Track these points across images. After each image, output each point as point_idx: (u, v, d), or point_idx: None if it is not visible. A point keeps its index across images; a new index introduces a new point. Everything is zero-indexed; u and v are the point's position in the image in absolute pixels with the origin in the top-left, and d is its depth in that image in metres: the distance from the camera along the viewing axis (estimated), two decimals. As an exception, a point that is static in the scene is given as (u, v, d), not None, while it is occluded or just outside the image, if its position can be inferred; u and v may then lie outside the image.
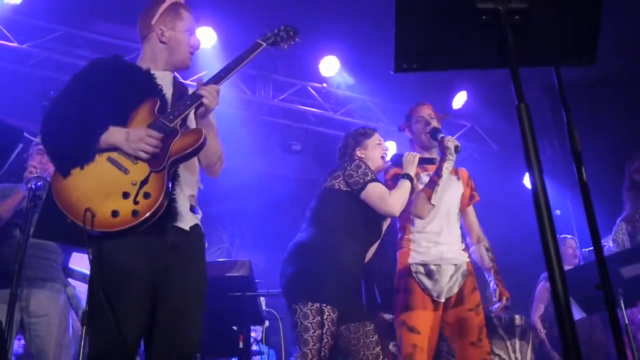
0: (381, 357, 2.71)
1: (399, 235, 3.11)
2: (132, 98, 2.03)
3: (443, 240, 3.01)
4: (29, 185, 2.89)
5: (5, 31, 4.94)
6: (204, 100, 2.03)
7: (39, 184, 2.85)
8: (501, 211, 6.01)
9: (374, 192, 2.82)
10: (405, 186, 2.90)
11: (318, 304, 2.57)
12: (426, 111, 3.19)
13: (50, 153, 1.96)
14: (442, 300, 2.94)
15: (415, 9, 1.39)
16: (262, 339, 4.70)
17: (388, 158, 3.17)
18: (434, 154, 3.18)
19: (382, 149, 3.11)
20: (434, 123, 3.16)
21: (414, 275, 2.94)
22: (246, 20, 5.28)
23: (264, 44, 2.36)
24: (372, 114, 6.43)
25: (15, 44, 4.99)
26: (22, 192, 3.02)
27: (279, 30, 2.44)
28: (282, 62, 6.11)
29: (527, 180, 6.19)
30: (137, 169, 1.89)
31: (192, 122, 2.15)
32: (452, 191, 3.14)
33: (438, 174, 2.98)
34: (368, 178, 2.84)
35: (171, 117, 1.99)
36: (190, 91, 2.26)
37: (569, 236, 5.18)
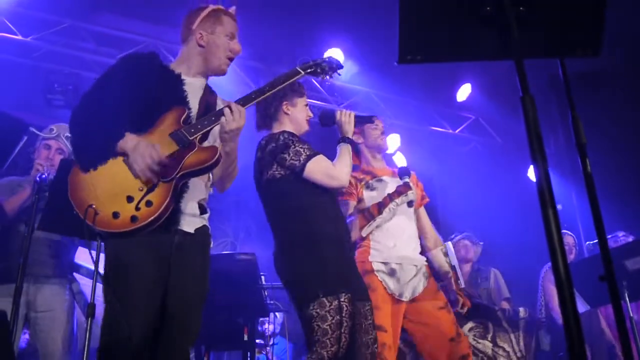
0: (377, 341, 2.55)
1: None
2: (157, 104, 2.04)
3: (400, 238, 2.97)
4: (35, 178, 2.90)
5: (9, 24, 4.94)
6: (222, 118, 2.03)
7: (43, 176, 2.87)
8: (505, 204, 6.00)
9: (316, 169, 2.59)
10: (346, 153, 2.71)
11: (336, 301, 2.35)
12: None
13: (74, 151, 2.03)
14: (406, 299, 2.89)
15: (419, 0, 1.38)
16: (280, 331, 4.67)
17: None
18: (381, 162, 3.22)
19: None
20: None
21: (376, 274, 2.89)
22: (249, 15, 5.26)
23: (303, 73, 2.33)
24: (376, 106, 6.41)
25: (19, 37, 4.98)
26: (28, 191, 3.03)
27: (322, 60, 2.43)
28: (285, 54, 6.09)
29: (531, 173, 6.18)
30: None
31: (214, 137, 2.16)
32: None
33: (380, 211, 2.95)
34: (304, 156, 2.62)
35: (192, 130, 2.00)
36: (219, 101, 2.27)
37: (568, 232, 5.12)
